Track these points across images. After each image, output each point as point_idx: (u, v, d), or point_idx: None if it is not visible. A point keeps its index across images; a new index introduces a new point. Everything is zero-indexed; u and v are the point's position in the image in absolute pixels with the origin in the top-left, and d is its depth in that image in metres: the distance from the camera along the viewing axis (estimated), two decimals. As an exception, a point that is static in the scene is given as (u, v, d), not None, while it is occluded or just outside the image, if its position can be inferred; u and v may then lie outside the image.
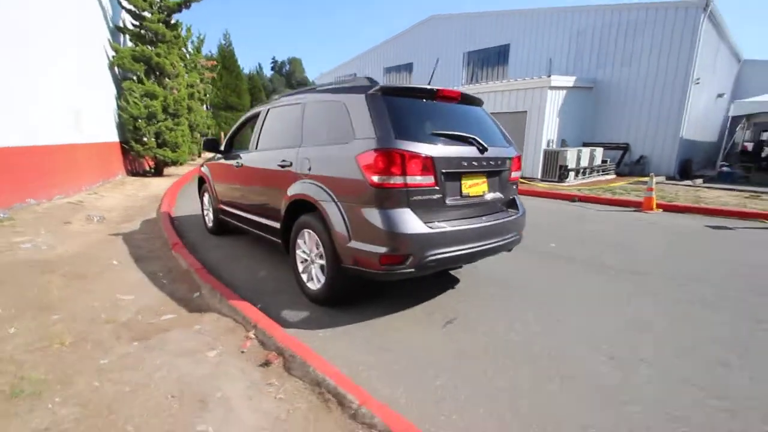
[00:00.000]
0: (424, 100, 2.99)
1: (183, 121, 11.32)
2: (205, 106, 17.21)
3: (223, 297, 3.07)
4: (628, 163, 14.87)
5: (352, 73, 25.78)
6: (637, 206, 7.64)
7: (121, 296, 3.24)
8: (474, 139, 2.97)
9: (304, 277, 3.32)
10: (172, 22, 11.15)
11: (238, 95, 29.93)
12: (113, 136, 10.07)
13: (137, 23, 10.61)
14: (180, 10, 10.96)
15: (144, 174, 11.64)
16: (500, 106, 14.21)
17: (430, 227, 2.69)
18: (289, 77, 79.73)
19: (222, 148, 4.91)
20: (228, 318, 2.87)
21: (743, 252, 4.81)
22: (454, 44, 19.69)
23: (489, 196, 3.15)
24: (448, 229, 2.77)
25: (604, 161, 14.07)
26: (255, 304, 3.02)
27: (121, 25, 10.54)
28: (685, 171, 14.32)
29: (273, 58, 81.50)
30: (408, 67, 22.20)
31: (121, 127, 10.35)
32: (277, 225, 3.62)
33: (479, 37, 18.70)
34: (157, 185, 10.01)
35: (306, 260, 3.30)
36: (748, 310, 3.14)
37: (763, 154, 16.51)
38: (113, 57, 9.92)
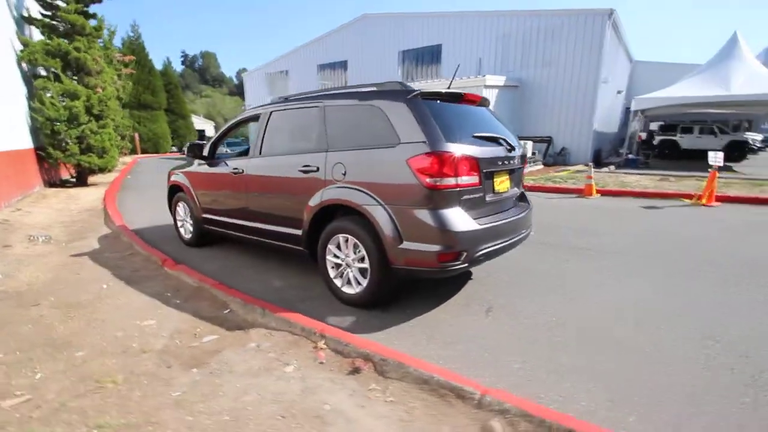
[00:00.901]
0: (453, 104, 3.14)
1: (109, 122, 10.14)
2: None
3: (267, 310, 2.94)
4: (552, 155, 16.52)
5: (284, 69, 24.94)
6: (579, 192, 8.62)
7: (140, 323, 2.92)
8: (503, 139, 3.20)
9: (338, 282, 3.29)
10: (91, 12, 9.87)
11: (152, 93, 27.33)
12: (26, 143, 8.67)
13: (48, 13, 9.21)
14: (100, 0, 9.75)
15: (64, 184, 10.22)
16: (440, 104, 14.79)
17: (479, 224, 2.86)
18: (203, 72, 74.38)
19: (205, 154, 4.57)
20: (281, 331, 2.76)
21: (678, 228, 5.73)
22: (388, 43, 20.04)
23: (510, 192, 3.41)
24: (492, 224, 2.97)
25: (533, 153, 15.49)
26: (324, 317, 2.93)
27: (26, 14, 9.07)
28: (597, 159, 16.32)
29: (183, 52, 75.37)
30: (342, 65, 22.11)
31: (35, 131, 8.96)
32: (298, 232, 3.53)
33: (413, 37, 19.27)
34: (87, 196, 8.89)
35: (340, 265, 3.27)
36: (718, 278, 3.79)
37: (655, 142, 19.48)
38: (21, 51, 8.52)
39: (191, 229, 5.00)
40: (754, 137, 19.29)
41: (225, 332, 2.81)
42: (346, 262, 3.22)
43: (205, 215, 4.66)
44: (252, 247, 4.79)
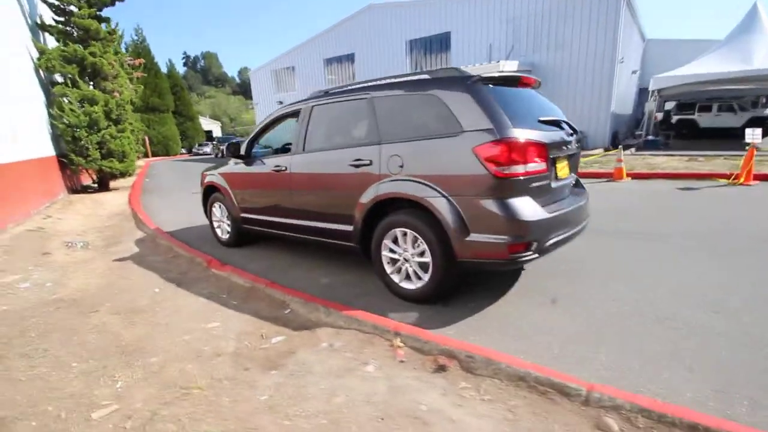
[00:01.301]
0: (511, 88, 3.03)
1: (127, 126, 10.14)
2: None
3: (331, 309, 2.88)
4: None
5: (290, 65, 24.79)
6: (609, 177, 8.44)
7: (205, 325, 2.88)
8: (565, 122, 3.09)
9: (396, 277, 3.22)
10: (104, 16, 9.82)
11: (159, 96, 27.43)
12: (48, 150, 8.70)
13: (62, 19, 9.18)
14: (113, 3, 9.69)
15: (86, 190, 10.27)
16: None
17: (548, 212, 2.77)
18: (206, 73, 74.36)
19: (242, 153, 4.51)
20: (350, 330, 2.70)
21: (721, 208, 5.57)
22: (395, 33, 19.78)
23: (569, 178, 3.30)
24: (559, 212, 2.87)
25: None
26: (385, 313, 2.87)
27: (39, 21, 9.04)
28: (614, 142, 16.02)
29: (184, 53, 75.35)
30: (350, 58, 21.91)
31: (56, 139, 8.98)
32: (348, 228, 3.46)
33: (420, 26, 18.99)
34: (112, 201, 8.93)
35: (396, 260, 3.20)
36: (763, 257, 3.67)
37: (673, 122, 19.06)
38: (38, 59, 8.51)
39: (228, 229, 4.96)
40: (773, 113, 18.79)
41: (291, 332, 2.76)
42: (404, 257, 3.14)
43: (244, 215, 4.61)
44: (293, 245, 4.75)
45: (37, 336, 2.78)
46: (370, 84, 3.55)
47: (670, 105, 20.66)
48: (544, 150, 2.77)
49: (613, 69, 15.10)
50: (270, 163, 4.19)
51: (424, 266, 3.04)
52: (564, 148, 3.05)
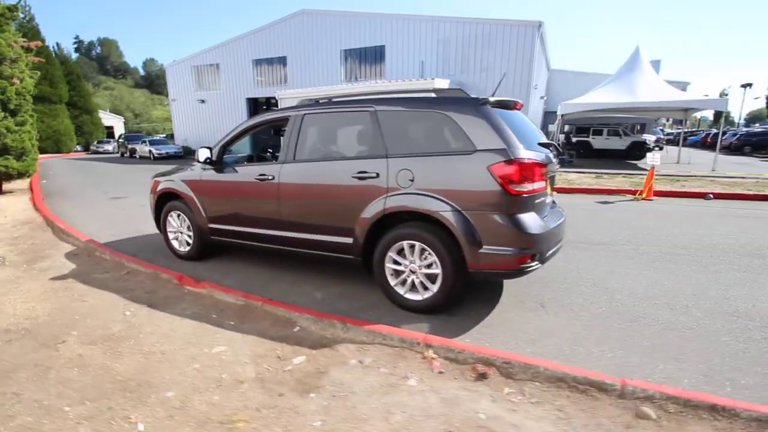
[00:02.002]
0: (509, 111, 3.30)
1: (27, 119, 8.67)
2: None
3: (349, 324, 2.82)
4: (492, 154, 17.69)
5: (214, 62, 23.20)
6: (539, 190, 9.43)
7: (210, 350, 2.62)
8: (554, 144, 3.44)
9: (400, 289, 3.27)
10: (-1, -13, 8.29)
11: (51, 84, 23.86)
12: None
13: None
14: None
15: (-32, 193, 8.50)
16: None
17: (548, 226, 3.06)
18: (103, 62, 65.94)
19: (213, 158, 4.17)
20: (374, 344, 2.68)
21: (638, 219, 6.60)
22: (330, 40, 19.76)
23: (551, 195, 3.68)
24: (553, 226, 3.18)
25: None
26: (398, 325, 2.87)
27: None
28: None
29: (77, 37, 65.98)
30: (281, 61, 21.28)
31: (-69, 129, 7.31)
32: (347, 240, 3.42)
33: (355, 37, 19.24)
34: (12, 207, 7.57)
35: (401, 272, 3.25)
36: (693, 260, 4.47)
37: (573, 142, 21.87)
38: None
39: (189, 241, 4.54)
40: (649, 138, 22.64)
41: (311, 351, 2.64)
42: (411, 269, 3.20)
43: (213, 225, 4.26)
44: (261, 256, 4.53)
45: (-5, 377, 2.27)
46: (369, 97, 3.57)
47: (566, 128, 23.75)
48: (544, 169, 3.07)
49: (528, 93, 16.88)
50: (249, 172, 3.95)
51: (431, 277, 3.14)
52: (551, 167, 3.40)
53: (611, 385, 2.11)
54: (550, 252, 3.13)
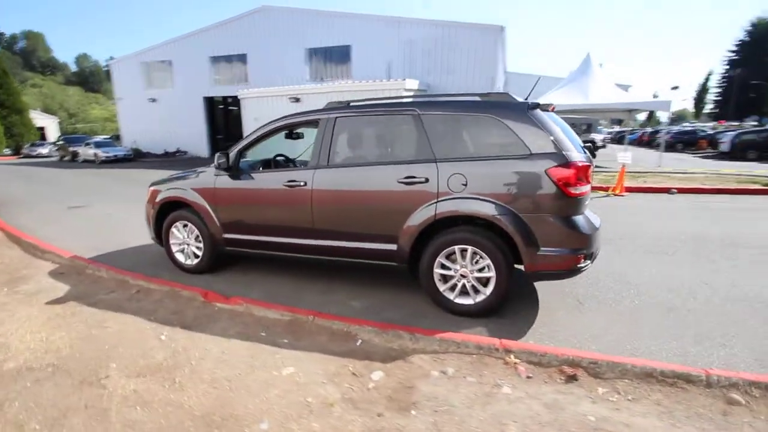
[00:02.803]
0: (550, 113, 3.37)
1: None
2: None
3: (418, 334, 2.74)
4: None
5: (166, 59, 21.75)
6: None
7: (279, 373, 2.43)
8: (588, 146, 3.56)
9: (450, 294, 3.24)
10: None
11: (-30, 80, 21.04)
12: None
13: None
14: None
15: None
16: (362, 105, 14.90)
17: (595, 226, 3.16)
18: (28, 56, 59.61)
19: (230, 164, 3.89)
20: (450, 354, 2.62)
21: (621, 214, 7.05)
22: (294, 39, 19.25)
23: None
24: (598, 225, 3.29)
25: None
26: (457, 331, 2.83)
27: None
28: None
29: (-6, 29, 59.05)
30: (242, 58, 20.43)
31: None
32: (392, 247, 3.34)
33: (320, 35, 18.90)
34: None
35: (450, 277, 3.22)
36: (688, 251, 4.84)
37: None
38: None
39: (198, 252, 4.21)
40: (597, 137, 24.32)
41: (384, 366, 2.54)
42: (462, 273, 3.18)
43: (230, 235, 3.98)
44: (279, 266, 4.33)
45: (45, 428, 1.95)
46: (407, 99, 3.51)
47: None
48: (591, 170, 3.17)
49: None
50: (274, 178, 3.75)
51: (482, 281, 3.14)
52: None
53: (697, 376, 2.22)
54: (598, 251, 3.24)
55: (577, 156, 2.93)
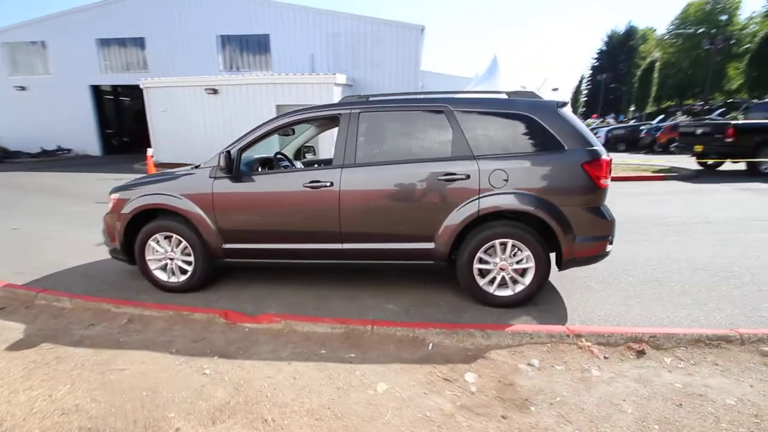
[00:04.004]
0: None
1: None
2: None
3: (489, 330, 2.75)
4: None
5: (38, 39, 17.98)
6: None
7: (374, 391, 2.23)
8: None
9: (489, 288, 3.31)
10: None
11: None
12: None
13: None
14: None
15: None
16: (288, 99, 14.32)
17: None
18: None
19: (234, 166, 3.42)
20: (524, 345, 2.68)
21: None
22: (202, 23, 17.50)
23: None
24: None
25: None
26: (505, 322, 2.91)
27: None
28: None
29: None
30: (138, 43, 17.93)
31: None
32: (427, 246, 3.30)
33: (235, 22, 17.50)
34: None
35: (488, 271, 3.30)
36: (673, 231, 5.63)
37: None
38: None
39: (188, 268, 3.66)
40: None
41: (469, 366, 2.50)
42: (500, 266, 3.28)
43: (231, 245, 3.52)
44: (272, 274, 4.05)
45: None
46: (435, 96, 3.45)
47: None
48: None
49: (417, 89, 18.08)
50: (290, 180, 3.45)
51: (520, 272, 3.28)
52: None
53: (733, 336, 2.63)
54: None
55: (603, 151, 3.20)
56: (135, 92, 16.38)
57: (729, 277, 3.84)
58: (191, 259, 3.62)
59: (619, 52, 50.74)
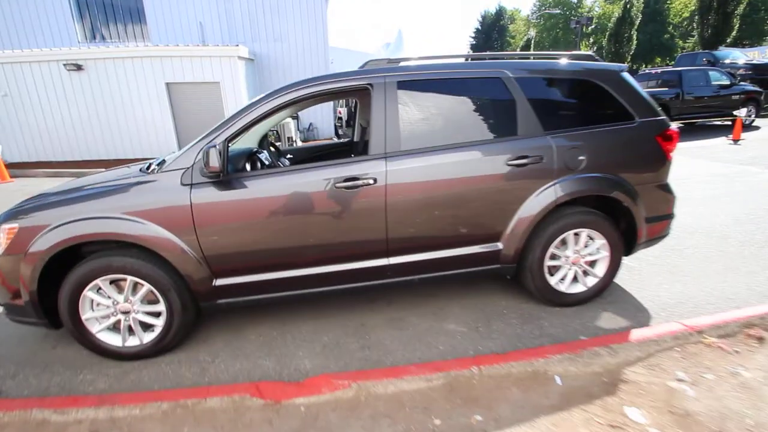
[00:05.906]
0: None
1: None
2: None
3: (613, 345, 2.26)
4: (302, 130, 17.08)
5: None
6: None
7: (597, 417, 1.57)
8: None
9: (561, 286, 2.86)
10: None
11: None
12: None
13: None
14: None
15: None
16: (183, 76, 12.15)
17: None
18: None
19: (223, 169, 2.29)
20: (654, 356, 2.26)
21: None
22: (46, -18, 13.56)
23: None
24: None
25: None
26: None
27: None
28: (337, 133, 18.31)
29: None
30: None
31: None
32: (494, 247, 2.70)
33: (93, -19, 13.93)
34: None
35: (556, 267, 2.84)
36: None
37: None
38: None
39: (156, 322, 2.49)
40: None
41: (616, 399, 1.99)
42: (572, 260, 2.84)
43: (226, 281, 2.45)
44: (262, 313, 3.06)
45: None
46: (495, 57, 2.77)
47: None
48: None
49: (327, 67, 16.85)
50: (307, 180, 2.45)
51: (592, 264, 2.89)
52: None
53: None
54: None
55: (668, 119, 2.90)
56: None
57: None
58: (160, 308, 2.43)
59: (492, 30, 54.82)
